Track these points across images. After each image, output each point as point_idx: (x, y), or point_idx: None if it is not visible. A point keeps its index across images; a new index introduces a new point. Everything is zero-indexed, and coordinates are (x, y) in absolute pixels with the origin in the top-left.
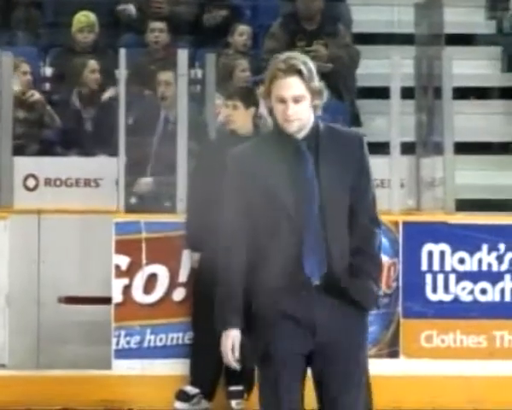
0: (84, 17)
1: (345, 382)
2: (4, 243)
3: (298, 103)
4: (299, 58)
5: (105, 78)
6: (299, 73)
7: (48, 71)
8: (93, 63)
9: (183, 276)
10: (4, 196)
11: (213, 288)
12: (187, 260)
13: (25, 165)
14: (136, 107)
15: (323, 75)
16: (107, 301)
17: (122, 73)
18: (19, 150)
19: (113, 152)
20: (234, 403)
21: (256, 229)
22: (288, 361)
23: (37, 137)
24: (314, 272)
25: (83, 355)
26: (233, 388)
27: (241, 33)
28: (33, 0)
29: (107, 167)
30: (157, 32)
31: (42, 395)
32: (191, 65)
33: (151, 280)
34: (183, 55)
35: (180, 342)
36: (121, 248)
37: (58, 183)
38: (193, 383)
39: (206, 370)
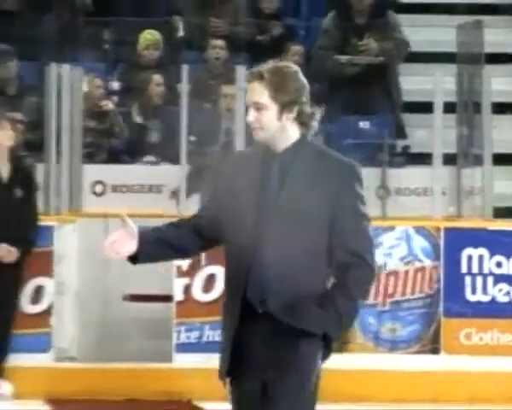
0: (150, 35)
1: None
2: (73, 245)
3: (259, 111)
4: (272, 67)
5: (168, 92)
6: (261, 78)
7: (115, 85)
8: (158, 78)
9: None
10: (74, 201)
11: None
12: None
13: (93, 172)
14: (197, 119)
15: (374, 69)
16: (168, 298)
17: (184, 87)
18: (88, 158)
19: (175, 161)
20: None
21: (224, 233)
22: None
23: (105, 146)
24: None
25: (146, 349)
26: None
27: (294, 53)
28: (101, 19)
29: (170, 175)
30: (217, 49)
31: (107, 387)
32: None
33: (210, 280)
34: (241, 70)
35: None
36: None
37: (124, 189)
38: None
39: None
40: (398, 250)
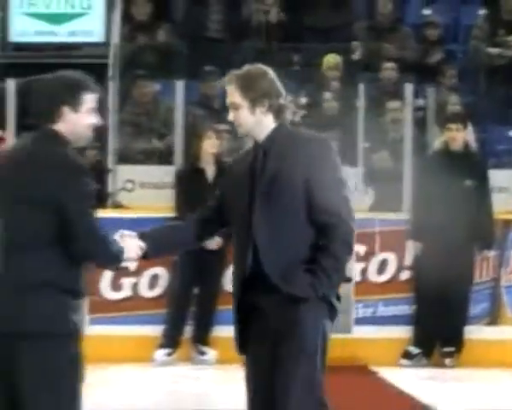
0: (332, 58)
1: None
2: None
3: (236, 110)
4: (242, 70)
5: (346, 107)
6: (232, 82)
7: (303, 100)
8: (330, 95)
9: (407, 261)
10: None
11: (432, 271)
12: (411, 249)
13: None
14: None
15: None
16: (348, 280)
17: (361, 103)
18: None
19: (353, 164)
20: (447, 361)
21: (228, 218)
22: None
23: None
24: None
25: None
26: (447, 349)
27: (450, 76)
28: (291, 45)
29: (349, 175)
30: (389, 70)
31: None
32: (415, 96)
33: (383, 264)
34: (408, 88)
35: (405, 312)
36: (360, 239)
37: None
38: (415, 345)
39: (426, 334)
40: None
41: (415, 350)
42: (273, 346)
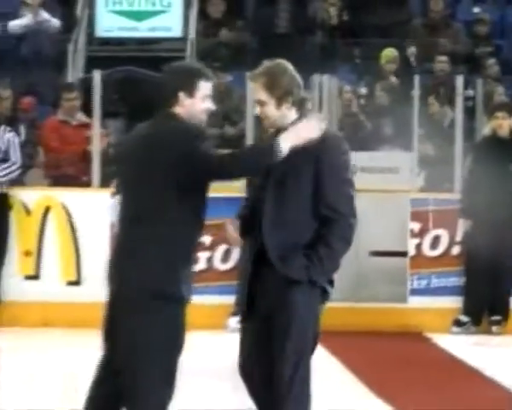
0: (390, 52)
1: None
2: None
3: (262, 106)
4: (265, 68)
5: (401, 97)
6: (257, 80)
7: (363, 91)
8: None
9: (458, 237)
10: None
11: (481, 246)
12: (461, 226)
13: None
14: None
15: None
16: (404, 254)
17: (416, 93)
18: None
19: (407, 149)
20: (494, 329)
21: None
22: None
23: (354, 137)
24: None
25: (387, 293)
26: (494, 317)
27: (490, 65)
28: (353, 40)
29: (405, 159)
30: (443, 63)
31: (359, 321)
32: (465, 87)
33: (436, 240)
34: (459, 79)
35: (456, 284)
36: (415, 216)
37: (369, 170)
38: (465, 314)
39: (475, 304)
40: None
41: (464, 319)
42: (265, 321)
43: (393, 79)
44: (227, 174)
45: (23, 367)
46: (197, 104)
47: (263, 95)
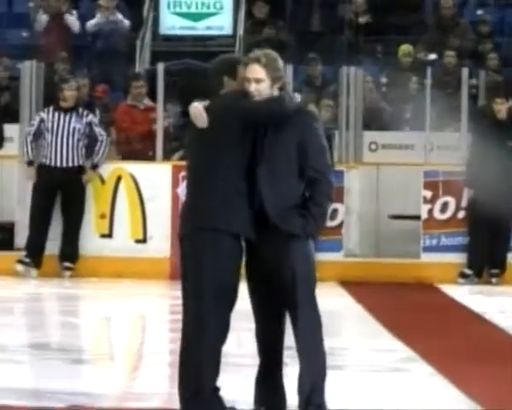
0: (406, 48)
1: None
2: (356, 183)
3: (258, 83)
4: (264, 53)
5: (416, 85)
6: (259, 61)
7: (383, 80)
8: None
9: (463, 203)
10: (357, 155)
11: (482, 211)
12: (466, 194)
13: (369, 136)
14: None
15: None
16: (418, 217)
17: (428, 82)
18: (367, 127)
19: (422, 128)
20: (493, 280)
21: None
22: None
23: (375, 118)
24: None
25: (403, 250)
26: (493, 270)
27: (490, 59)
28: (375, 37)
29: (419, 138)
30: (450, 57)
31: (379, 274)
32: (470, 77)
33: (445, 205)
34: (465, 71)
35: (462, 242)
36: (427, 186)
37: (389, 147)
38: (469, 267)
39: (477, 259)
40: None
41: (468, 272)
42: (269, 274)
43: (408, 71)
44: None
45: (99, 311)
46: (238, 85)
47: (262, 73)
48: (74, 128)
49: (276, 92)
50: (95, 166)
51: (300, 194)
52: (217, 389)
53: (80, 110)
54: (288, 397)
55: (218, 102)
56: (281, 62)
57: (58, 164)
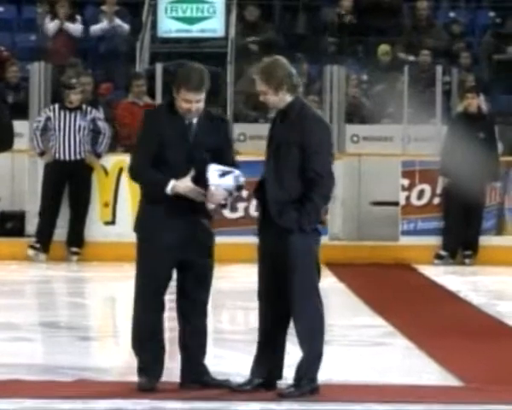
0: (384, 47)
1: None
2: (340, 172)
3: (263, 94)
4: (262, 65)
5: (393, 82)
6: (257, 73)
7: (364, 77)
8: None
9: (438, 190)
10: (340, 146)
11: (456, 197)
12: (441, 182)
13: (351, 129)
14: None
15: None
16: (396, 204)
17: (405, 78)
18: (348, 120)
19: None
20: (466, 261)
21: None
22: None
23: (357, 112)
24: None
25: (383, 234)
26: (466, 252)
27: (466, 57)
28: (357, 38)
29: (397, 130)
30: (425, 56)
31: (360, 256)
32: (443, 74)
33: (421, 192)
34: (439, 70)
35: (437, 226)
36: (405, 175)
37: (369, 139)
38: (444, 249)
39: (451, 242)
40: None
41: (444, 253)
42: (272, 262)
43: (387, 69)
44: None
45: (104, 292)
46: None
47: (263, 86)
48: (80, 126)
49: (285, 97)
50: (98, 156)
51: (300, 192)
52: None
53: (84, 108)
54: (285, 372)
55: None
56: (283, 68)
57: (66, 158)
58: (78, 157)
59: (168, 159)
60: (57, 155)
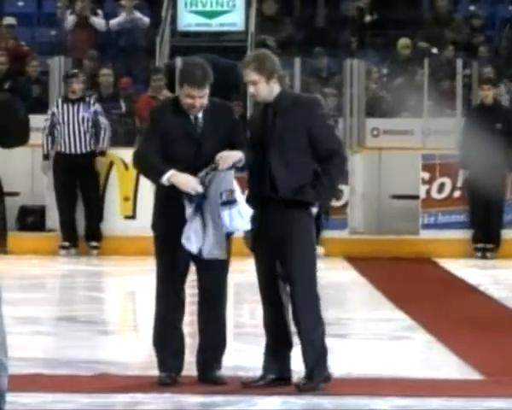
0: (404, 41)
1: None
2: (360, 166)
3: (254, 85)
4: (253, 56)
5: (413, 75)
6: (248, 65)
7: (385, 71)
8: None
9: (459, 183)
10: (361, 140)
11: (477, 190)
12: (461, 175)
13: (372, 123)
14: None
15: None
16: (416, 197)
17: (426, 72)
18: (369, 114)
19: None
20: (488, 254)
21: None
22: None
23: (377, 105)
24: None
25: (404, 227)
26: (488, 245)
27: (483, 51)
28: (378, 32)
29: (418, 124)
30: (448, 51)
31: (381, 249)
32: (464, 68)
33: (442, 186)
34: (459, 63)
35: (457, 220)
36: (425, 168)
37: (390, 133)
38: (474, 241)
39: (477, 233)
40: None
41: (479, 245)
42: (275, 246)
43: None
44: None
45: (123, 286)
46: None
47: (255, 75)
48: (83, 117)
49: (275, 87)
50: (102, 153)
51: (312, 171)
52: None
53: (87, 99)
54: (295, 367)
55: None
56: (272, 59)
57: (72, 151)
58: (84, 150)
59: (176, 155)
60: (63, 149)
